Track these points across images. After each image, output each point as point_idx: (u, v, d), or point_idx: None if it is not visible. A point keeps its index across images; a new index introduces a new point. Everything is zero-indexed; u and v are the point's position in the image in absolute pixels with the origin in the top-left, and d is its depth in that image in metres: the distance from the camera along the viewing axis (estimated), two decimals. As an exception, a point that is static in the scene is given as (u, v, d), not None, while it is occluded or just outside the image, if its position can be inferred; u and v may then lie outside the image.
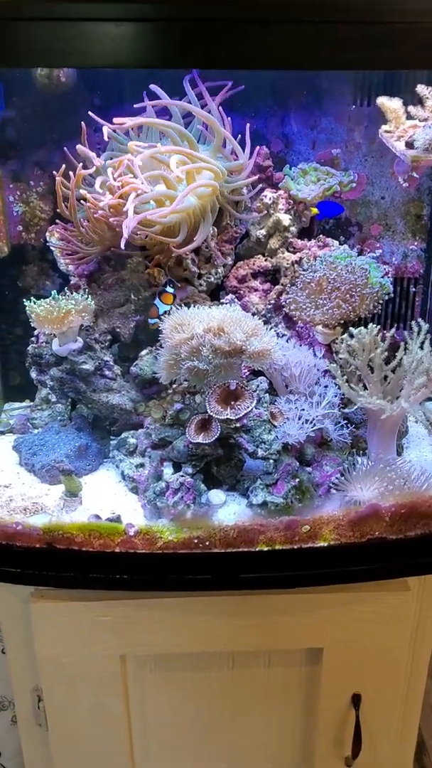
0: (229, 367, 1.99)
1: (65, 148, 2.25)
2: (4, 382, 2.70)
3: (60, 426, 2.33)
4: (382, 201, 2.50)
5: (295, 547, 1.94)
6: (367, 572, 2.00)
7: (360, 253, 2.44)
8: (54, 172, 2.17)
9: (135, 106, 2.11)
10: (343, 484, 2.02)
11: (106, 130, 2.08)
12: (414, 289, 2.59)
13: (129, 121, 2.04)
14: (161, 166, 2.07)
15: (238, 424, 1.98)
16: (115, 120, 2.06)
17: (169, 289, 2.16)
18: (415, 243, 2.53)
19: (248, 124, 2.17)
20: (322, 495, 2.03)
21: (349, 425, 2.12)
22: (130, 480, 2.15)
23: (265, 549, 1.93)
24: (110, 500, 2.13)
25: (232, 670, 2.20)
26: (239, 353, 1.97)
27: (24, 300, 2.15)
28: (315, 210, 2.25)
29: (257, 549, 1.93)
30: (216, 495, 2.05)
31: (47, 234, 2.40)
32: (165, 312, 2.12)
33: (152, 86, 2.12)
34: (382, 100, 2.03)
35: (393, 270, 2.47)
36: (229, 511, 2.04)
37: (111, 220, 2.04)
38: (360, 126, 2.41)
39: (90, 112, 2.12)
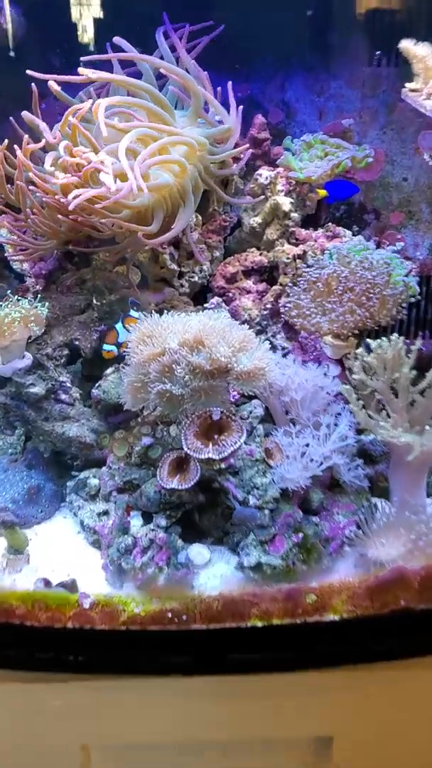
0: (210, 390, 1.60)
1: (12, 119, 1.84)
2: None
3: (9, 462, 1.92)
4: (404, 183, 2.11)
5: (298, 621, 1.59)
6: (389, 651, 1.66)
7: (378, 246, 2.01)
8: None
9: (95, 58, 1.69)
10: (359, 539, 1.66)
11: (52, 86, 1.66)
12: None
13: (91, 74, 1.62)
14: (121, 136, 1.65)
15: (223, 465, 1.60)
16: (80, 70, 1.62)
17: (134, 314, 1.76)
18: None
19: (230, 83, 1.74)
20: (333, 553, 1.70)
21: (365, 461, 1.78)
22: (91, 532, 1.79)
23: (260, 625, 1.58)
24: (66, 557, 1.79)
25: (224, 763, 1.84)
26: (224, 373, 1.58)
27: None
28: (323, 192, 1.83)
29: (249, 625, 1.58)
30: (198, 552, 1.69)
31: (-6, 223, 1.99)
32: (123, 342, 1.76)
33: (116, 39, 1.71)
34: (407, 45, 1.58)
35: (417, 267, 2.04)
36: (214, 572, 1.69)
37: (62, 201, 1.61)
38: (377, 90, 2.00)
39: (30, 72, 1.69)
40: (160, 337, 1.59)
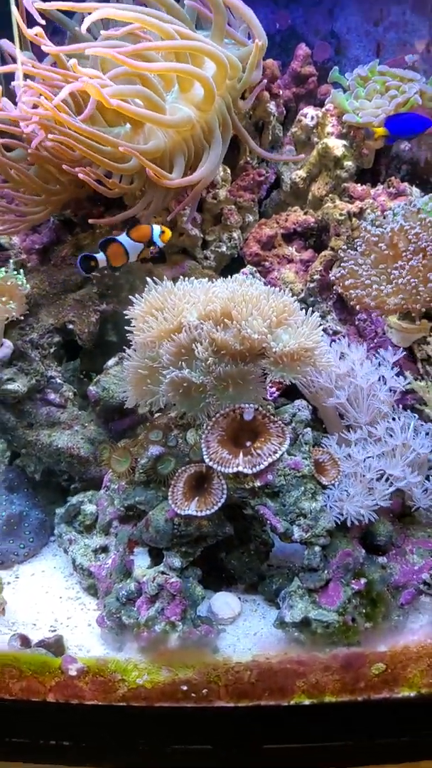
0: (241, 379, 1.31)
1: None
2: None
3: (-15, 482, 1.60)
4: None
5: (360, 699, 1.33)
6: None
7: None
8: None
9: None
10: None
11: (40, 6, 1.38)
12: None
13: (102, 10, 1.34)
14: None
15: (258, 483, 1.28)
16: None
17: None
18: None
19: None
20: (406, 605, 1.43)
21: None
22: (86, 573, 1.51)
23: (307, 703, 1.32)
24: (53, 606, 1.52)
25: None
26: (258, 356, 1.28)
27: None
28: (381, 130, 1.51)
29: (293, 703, 1.32)
30: (224, 603, 1.47)
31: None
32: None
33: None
34: None
35: None
36: (246, 630, 1.43)
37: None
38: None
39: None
40: (174, 308, 1.27)
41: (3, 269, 1.54)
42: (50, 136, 1.36)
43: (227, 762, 1.40)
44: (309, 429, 1.36)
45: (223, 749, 1.37)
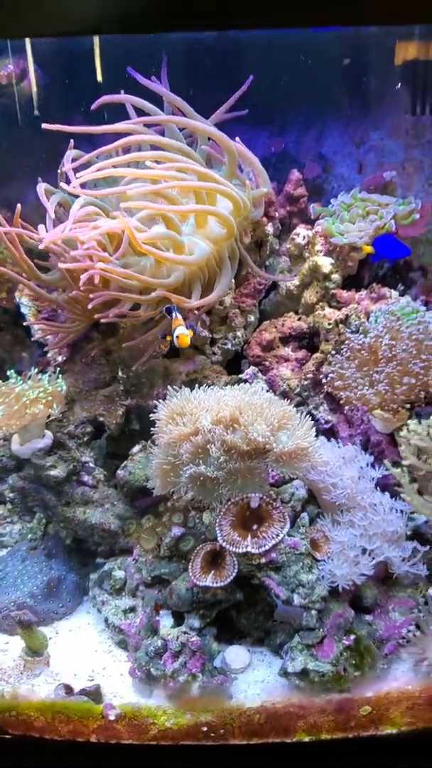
0: (248, 473, 1.54)
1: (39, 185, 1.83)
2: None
3: (28, 550, 1.86)
4: None
5: (351, 736, 1.52)
6: None
7: (426, 305, 1.94)
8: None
9: (119, 127, 1.68)
10: (418, 640, 1.57)
11: (69, 176, 1.66)
12: None
13: (118, 142, 1.61)
14: (157, 198, 1.62)
15: (263, 560, 1.50)
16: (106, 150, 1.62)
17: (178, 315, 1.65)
18: None
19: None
20: (389, 655, 1.60)
21: (421, 542, 1.63)
22: (117, 630, 1.72)
23: (306, 740, 1.51)
24: (89, 658, 1.71)
25: None
26: (262, 454, 1.52)
27: None
28: (368, 248, 1.76)
29: (295, 740, 1.51)
30: (236, 655, 1.63)
31: (17, 293, 1.98)
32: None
33: (132, 98, 1.70)
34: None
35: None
36: (255, 677, 1.62)
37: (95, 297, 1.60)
38: (421, 140, 1.95)
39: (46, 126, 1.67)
40: (191, 414, 1.53)
41: (47, 374, 1.80)
42: (91, 275, 1.56)
43: None
44: (305, 514, 1.59)
45: None
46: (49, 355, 1.94)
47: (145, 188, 1.61)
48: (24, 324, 2.05)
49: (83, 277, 1.54)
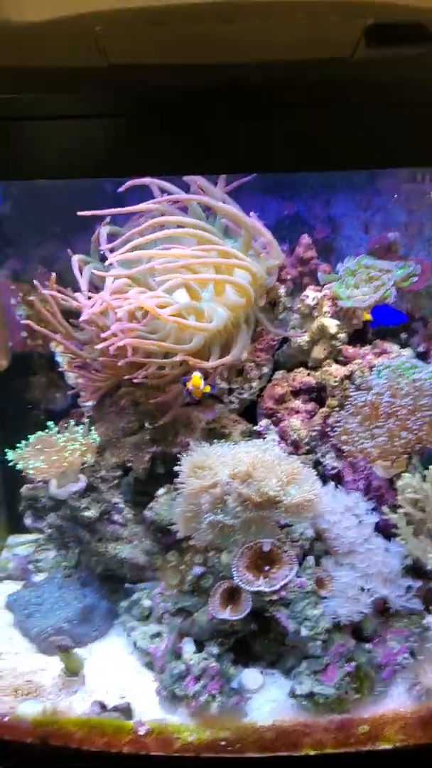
0: (261, 521, 1.74)
1: (69, 249, 2.04)
2: (10, 509, 2.46)
3: (63, 578, 2.08)
4: None
5: (351, 750, 1.70)
6: None
7: (425, 353, 2.12)
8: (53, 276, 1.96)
9: (149, 206, 1.88)
10: (412, 666, 1.76)
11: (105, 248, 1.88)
12: None
13: (144, 223, 1.81)
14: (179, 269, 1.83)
15: (274, 597, 1.71)
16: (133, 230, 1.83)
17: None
18: None
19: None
20: (386, 679, 1.77)
21: (417, 576, 1.82)
22: (144, 653, 1.91)
23: (312, 753, 1.69)
24: (120, 678, 1.90)
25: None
26: (273, 505, 1.71)
27: (6, 451, 1.96)
28: (368, 316, 1.95)
29: (302, 753, 1.70)
30: (252, 678, 1.81)
31: (52, 344, 2.19)
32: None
33: (157, 181, 1.89)
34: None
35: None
36: (268, 697, 1.79)
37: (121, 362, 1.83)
38: (422, 204, 2.12)
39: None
40: (210, 468, 1.73)
41: (82, 424, 2.01)
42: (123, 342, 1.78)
43: None
44: (311, 557, 1.77)
45: None
46: (80, 402, 2.15)
47: (172, 263, 1.82)
48: (58, 370, 2.27)
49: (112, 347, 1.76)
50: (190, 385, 1.81)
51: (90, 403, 2.11)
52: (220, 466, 1.73)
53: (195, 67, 1.33)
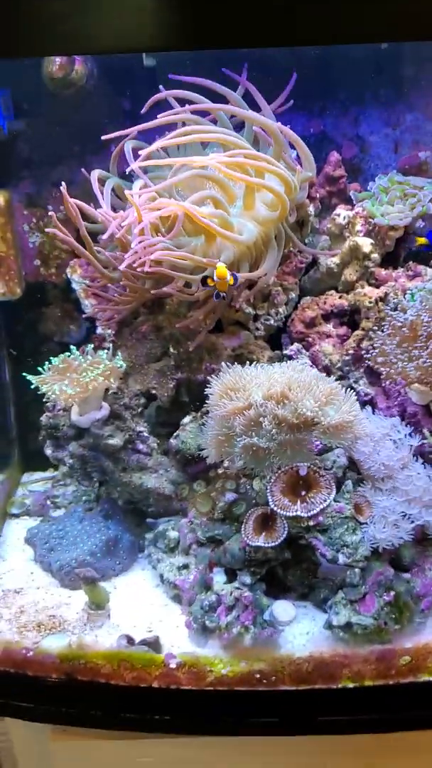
0: (297, 444, 1.64)
1: (84, 169, 1.92)
2: (23, 446, 2.37)
3: (85, 511, 2.01)
4: None
5: (391, 683, 1.65)
6: None
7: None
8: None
9: (172, 118, 1.75)
10: None
11: (134, 165, 1.74)
12: None
13: (170, 140, 1.69)
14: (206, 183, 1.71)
15: (311, 522, 1.63)
16: (156, 145, 1.70)
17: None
18: None
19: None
20: (426, 610, 1.70)
21: None
22: (171, 586, 1.84)
23: (351, 686, 1.64)
24: (146, 611, 1.84)
25: None
26: (310, 427, 1.61)
27: (26, 373, 1.86)
28: (423, 240, 1.86)
29: (340, 686, 1.64)
30: (283, 609, 1.73)
31: (68, 270, 2.08)
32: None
33: (183, 93, 1.77)
34: None
35: None
36: (300, 629, 1.73)
37: (148, 270, 1.69)
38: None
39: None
40: (244, 390, 1.63)
41: (105, 350, 1.88)
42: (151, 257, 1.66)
43: (291, 730, 1.67)
44: (350, 481, 1.70)
45: (287, 721, 1.66)
46: (99, 330, 2.04)
47: (214, 159, 1.69)
48: (73, 299, 2.16)
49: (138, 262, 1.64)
50: (215, 277, 1.66)
51: (110, 331, 2.00)
52: (254, 387, 1.63)
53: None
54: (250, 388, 1.63)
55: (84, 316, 2.09)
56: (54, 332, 2.26)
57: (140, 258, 1.66)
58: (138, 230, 1.66)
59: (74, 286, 2.08)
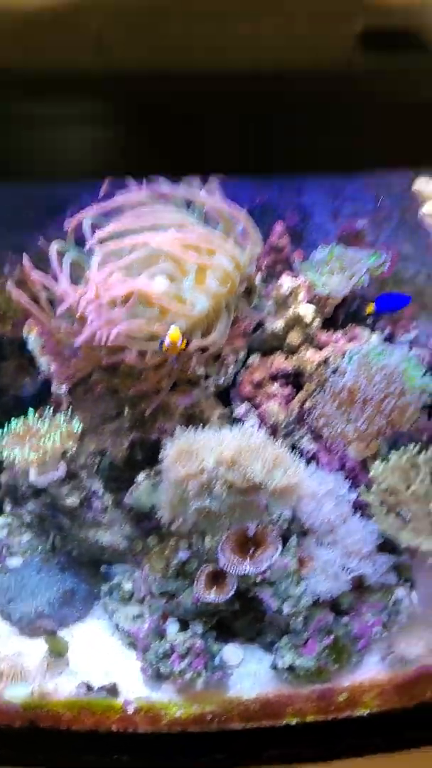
0: (246, 506, 1.79)
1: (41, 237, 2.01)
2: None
3: (42, 561, 2.07)
4: (418, 277, 2.25)
5: (330, 718, 1.77)
6: (420, 738, 1.76)
7: (391, 336, 2.19)
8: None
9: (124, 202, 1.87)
10: (386, 636, 1.86)
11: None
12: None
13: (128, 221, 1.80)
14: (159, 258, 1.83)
15: (259, 578, 1.75)
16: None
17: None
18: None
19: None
20: (362, 650, 1.85)
21: (390, 551, 1.91)
22: (126, 634, 1.95)
23: (294, 722, 1.75)
24: (103, 658, 1.93)
25: None
26: (258, 490, 1.76)
27: None
28: (371, 309, 2.03)
29: (284, 723, 1.75)
30: (233, 653, 1.88)
31: (24, 329, 2.15)
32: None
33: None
34: (420, 188, 1.78)
35: (429, 356, 2.21)
36: (248, 670, 1.86)
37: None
38: (390, 193, 2.17)
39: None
40: (196, 455, 1.76)
41: (62, 412, 1.98)
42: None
43: (240, 764, 1.75)
44: (295, 537, 1.82)
45: (236, 755, 1.76)
46: (53, 388, 2.12)
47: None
48: (28, 356, 2.23)
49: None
50: (168, 341, 1.78)
51: (64, 389, 2.09)
52: (207, 452, 1.75)
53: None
54: (203, 453, 1.76)
55: (39, 375, 2.17)
56: (9, 386, 2.34)
57: (100, 331, 1.77)
58: (95, 306, 1.77)
59: (29, 346, 2.15)
